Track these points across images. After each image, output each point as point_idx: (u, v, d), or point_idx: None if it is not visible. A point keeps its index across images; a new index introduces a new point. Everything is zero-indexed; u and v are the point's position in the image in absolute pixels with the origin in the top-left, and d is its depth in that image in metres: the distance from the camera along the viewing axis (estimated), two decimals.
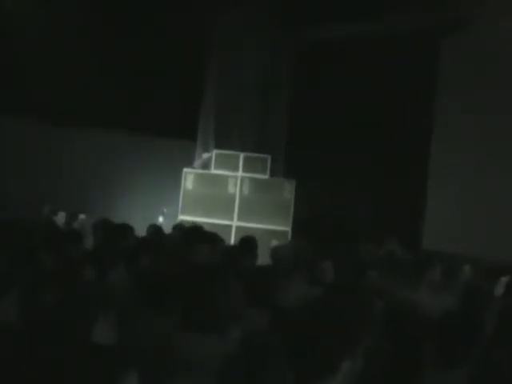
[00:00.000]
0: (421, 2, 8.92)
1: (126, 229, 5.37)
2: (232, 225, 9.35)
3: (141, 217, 8.60)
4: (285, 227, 9.35)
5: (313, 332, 2.03)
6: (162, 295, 2.96)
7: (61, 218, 8.54)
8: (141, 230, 6.36)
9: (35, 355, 1.71)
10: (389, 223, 9.12)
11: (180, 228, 6.93)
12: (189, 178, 9.52)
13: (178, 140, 10.08)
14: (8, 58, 9.10)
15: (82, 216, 8.49)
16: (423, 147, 9.45)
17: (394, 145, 9.52)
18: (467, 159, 8.82)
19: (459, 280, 5.36)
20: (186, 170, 9.58)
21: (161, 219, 9.18)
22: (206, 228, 6.39)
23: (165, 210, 9.40)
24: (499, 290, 5.18)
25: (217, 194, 9.47)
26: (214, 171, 9.64)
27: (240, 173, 9.61)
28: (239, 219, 9.38)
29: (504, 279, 5.33)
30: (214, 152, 9.77)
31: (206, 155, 9.92)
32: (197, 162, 9.95)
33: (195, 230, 5.59)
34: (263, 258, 5.81)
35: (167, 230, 7.58)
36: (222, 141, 10.06)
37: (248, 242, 5.48)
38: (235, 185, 9.51)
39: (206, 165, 9.86)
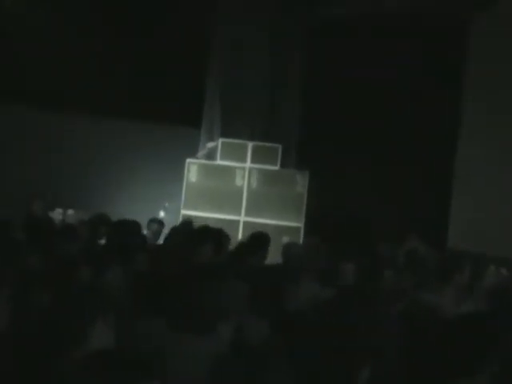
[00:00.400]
0: None
1: (135, 225, 5.42)
2: (239, 220, 9.38)
3: (140, 212, 8.63)
4: (297, 223, 9.36)
5: (320, 336, 2.07)
6: (159, 296, 3.02)
7: (57, 214, 8.58)
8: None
9: (27, 365, 1.77)
10: (410, 220, 9.19)
11: (187, 225, 7.00)
12: (192, 170, 9.55)
13: (180, 128, 10.11)
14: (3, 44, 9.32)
15: (70, 211, 8.50)
16: (449, 140, 9.50)
17: (417, 136, 9.60)
18: (494, 155, 8.92)
19: (485, 282, 5.38)
20: (189, 160, 9.61)
21: (162, 214, 9.23)
22: (211, 224, 6.44)
23: (166, 205, 9.45)
24: None
25: (223, 187, 9.51)
26: (219, 162, 9.68)
27: (248, 164, 9.63)
28: (247, 214, 9.41)
29: None
30: (220, 141, 9.79)
31: (210, 144, 9.94)
32: (201, 152, 9.96)
33: (200, 230, 5.64)
34: (273, 257, 5.89)
35: (169, 225, 7.65)
36: (229, 129, 10.09)
37: (259, 239, 5.55)
38: (243, 177, 9.54)
39: (210, 155, 9.88)
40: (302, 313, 2.54)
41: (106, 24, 9.59)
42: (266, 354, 1.89)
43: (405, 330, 2.69)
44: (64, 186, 9.71)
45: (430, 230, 8.49)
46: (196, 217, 8.80)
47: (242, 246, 5.92)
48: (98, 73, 9.69)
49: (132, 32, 9.82)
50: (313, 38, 9.90)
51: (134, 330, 2.89)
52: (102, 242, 5.97)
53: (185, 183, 9.54)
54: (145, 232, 6.90)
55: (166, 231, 7.41)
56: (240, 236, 8.69)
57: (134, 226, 5.82)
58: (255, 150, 9.66)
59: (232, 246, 6.10)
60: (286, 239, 8.24)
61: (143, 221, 7.71)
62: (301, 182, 9.46)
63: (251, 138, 9.97)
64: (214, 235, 5.42)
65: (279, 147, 9.70)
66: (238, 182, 9.54)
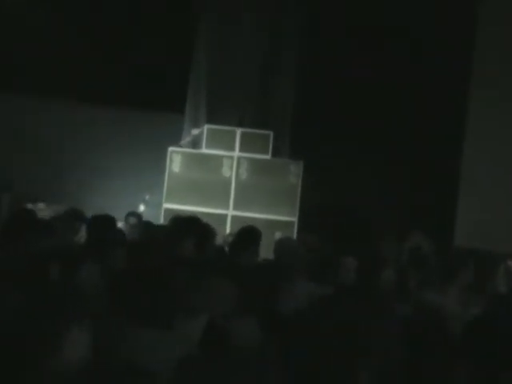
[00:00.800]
0: None
1: (110, 220, 5.47)
2: (227, 214, 9.39)
3: (118, 205, 8.65)
4: (290, 217, 9.39)
5: (317, 337, 2.09)
6: (137, 295, 3.07)
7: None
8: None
9: None
10: (413, 217, 9.23)
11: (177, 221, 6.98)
12: (175, 159, 9.56)
13: (161, 113, 10.10)
14: None
15: (41, 205, 8.48)
16: (455, 132, 9.58)
17: (421, 130, 9.62)
18: (501, 155, 9.14)
19: (494, 281, 5.43)
20: (171, 148, 9.61)
21: (142, 208, 9.25)
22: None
23: (147, 197, 9.45)
24: None
25: (209, 178, 9.52)
26: (205, 150, 9.67)
27: (236, 152, 9.63)
28: (236, 208, 9.43)
29: None
30: (206, 127, 9.78)
31: (195, 131, 9.94)
32: (185, 140, 9.96)
33: (181, 223, 5.68)
34: (264, 254, 5.94)
35: (150, 220, 7.64)
36: (215, 114, 10.06)
37: (249, 234, 5.57)
38: (231, 167, 9.55)
39: (195, 143, 9.88)
40: (297, 312, 2.60)
41: (82, 4, 9.66)
42: (255, 355, 1.91)
43: (407, 331, 2.73)
44: (34, 177, 9.71)
45: (435, 230, 8.53)
46: (179, 211, 8.75)
47: (230, 241, 5.99)
48: (71, 55, 9.72)
49: (108, 10, 9.82)
50: (310, 20, 9.92)
51: (114, 334, 2.91)
52: (77, 238, 5.97)
53: (167, 174, 9.55)
54: (121, 226, 6.92)
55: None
56: (228, 231, 8.68)
57: (110, 220, 5.82)
58: (244, 138, 9.67)
59: (219, 241, 6.20)
60: (278, 235, 8.24)
61: (121, 215, 7.76)
62: (294, 173, 9.49)
63: (240, 124, 9.95)
64: (197, 229, 5.44)
65: (270, 134, 9.72)
66: (226, 172, 9.54)
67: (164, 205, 9.42)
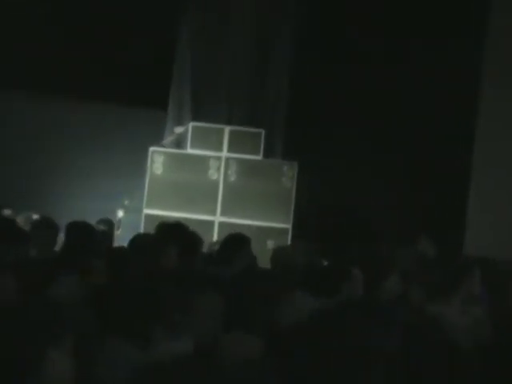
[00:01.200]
0: None
1: (86, 228, 5.49)
2: (214, 221, 9.40)
3: (94, 211, 8.64)
4: (284, 224, 9.39)
5: (317, 353, 2.11)
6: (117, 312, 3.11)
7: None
8: None
9: None
10: (418, 220, 9.27)
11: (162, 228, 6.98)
12: (157, 160, 9.55)
13: (141, 109, 10.08)
14: None
15: (6, 212, 8.42)
16: (465, 123, 9.63)
17: (427, 123, 9.65)
18: None
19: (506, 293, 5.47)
20: (152, 148, 9.60)
21: (120, 214, 9.22)
22: None
23: (126, 202, 9.42)
24: None
25: (194, 181, 9.50)
26: (190, 151, 9.67)
27: (224, 153, 9.63)
28: (223, 213, 9.43)
29: None
30: (191, 125, 9.77)
31: (179, 129, 9.91)
32: (167, 139, 9.94)
33: (163, 230, 5.67)
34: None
35: (129, 227, 7.65)
36: (201, 110, 10.06)
37: (237, 242, 5.60)
38: (218, 168, 9.54)
39: (179, 142, 9.87)
40: (298, 327, 2.64)
41: None
42: (254, 372, 1.94)
43: (408, 343, 2.77)
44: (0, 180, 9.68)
45: (442, 234, 8.56)
46: (161, 217, 8.71)
47: (216, 250, 6.00)
48: (42, 43, 9.72)
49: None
50: (305, 7, 9.95)
51: (101, 357, 2.93)
52: (50, 248, 5.97)
53: (148, 176, 9.54)
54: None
55: (125, 234, 7.43)
56: (215, 239, 8.60)
57: (87, 228, 5.81)
58: (233, 137, 9.66)
59: (205, 249, 6.20)
60: (270, 243, 8.29)
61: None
62: (288, 175, 9.49)
63: (228, 121, 9.96)
64: (181, 237, 5.43)
65: (262, 133, 9.71)
66: (213, 174, 9.53)
67: (145, 210, 9.41)
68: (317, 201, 9.72)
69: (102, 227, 7.44)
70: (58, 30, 9.81)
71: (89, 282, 4.16)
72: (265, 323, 3.68)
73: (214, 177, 9.52)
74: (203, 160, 9.57)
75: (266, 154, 9.73)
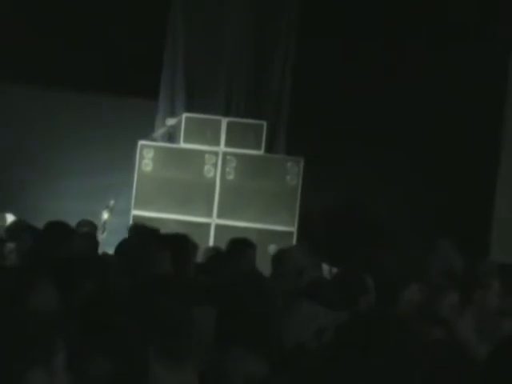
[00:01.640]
0: None
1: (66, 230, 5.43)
2: (210, 223, 9.38)
3: (76, 213, 8.58)
4: (288, 227, 9.37)
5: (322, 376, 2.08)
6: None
7: None
8: None
9: None
10: (435, 223, 9.27)
11: (137, 230, 7.00)
12: (147, 155, 9.51)
13: (129, 99, 10.05)
14: None
15: None
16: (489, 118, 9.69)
17: (446, 118, 9.67)
18: None
19: None
20: (142, 142, 9.57)
21: (105, 215, 9.17)
22: (172, 228, 6.46)
23: (111, 203, 9.38)
24: None
25: (188, 179, 9.48)
26: (183, 145, 9.64)
27: (222, 147, 9.59)
28: (221, 215, 9.41)
29: None
30: (184, 116, 9.73)
31: (171, 121, 9.88)
32: (158, 132, 9.91)
33: (152, 235, 5.66)
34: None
35: (115, 231, 7.62)
36: (196, 100, 10.05)
37: (238, 247, 5.63)
38: (215, 165, 9.51)
39: (171, 135, 9.83)
40: (304, 346, 2.62)
41: None
42: None
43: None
44: None
45: (461, 239, 8.56)
46: (151, 219, 8.77)
47: (213, 257, 5.97)
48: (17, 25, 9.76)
49: None
50: None
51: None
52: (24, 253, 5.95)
53: (136, 174, 9.51)
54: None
55: (110, 238, 7.40)
56: (212, 244, 8.62)
57: (67, 230, 5.75)
58: (231, 129, 9.62)
59: (200, 256, 6.14)
60: (273, 248, 8.25)
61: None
62: (293, 172, 9.46)
63: (226, 112, 9.94)
64: (172, 242, 5.41)
65: (264, 125, 9.68)
66: (209, 171, 9.50)
67: (133, 211, 9.38)
68: (324, 201, 9.76)
69: (83, 230, 7.40)
70: (39, 17, 9.88)
71: (70, 292, 4.11)
72: (268, 339, 3.66)
73: (211, 174, 9.48)
74: (198, 155, 9.53)
75: (269, 149, 9.72)
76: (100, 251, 6.97)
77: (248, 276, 5.26)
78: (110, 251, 5.88)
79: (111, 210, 9.22)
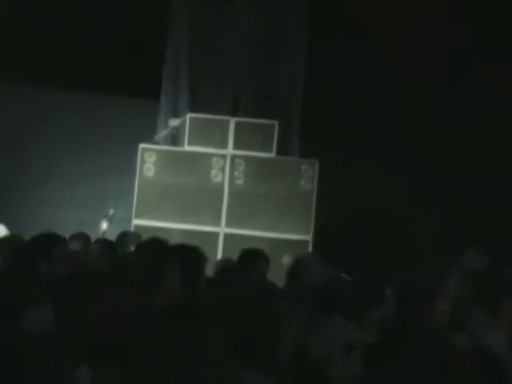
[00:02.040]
0: None
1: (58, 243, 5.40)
2: (218, 232, 9.39)
3: (72, 223, 8.61)
4: (303, 235, 9.38)
5: None
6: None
7: None
8: None
9: None
10: (468, 230, 9.27)
11: (131, 240, 7.01)
12: (148, 160, 9.51)
13: (129, 99, 10.07)
14: None
15: None
16: None
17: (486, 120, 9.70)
18: None
19: None
20: (143, 146, 9.57)
21: (104, 226, 9.17)
22: (177, 238, 6.43)
23: (110, 212, 9.37)
24: None
25: (193, 185, 9.47)
26: (187, 148, 9.63)
27: (230, 150, 9.60)
28: (229, 224, 9.43)
29: None
30: (188, 117, 9.74)
31: (174, 122, 9.90)
32: (160, 134, 9.93)
33: (158, 248, 5.62)
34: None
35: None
36: (201, 99, 10.08)
37: (250, 259, 5.71)
38: (222, 169, 9.51)
39: (175, 138, 9.86)
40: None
41: None
42: None
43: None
44: None
45: (494, 247, 8.56)
46: (154, 229, 8.77)
47: (223, 269, 5.97)
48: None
49: None
50: None
51: None
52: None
53: (137, 179, 9.52)
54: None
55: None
56: (220, 256, 8.68)
57: (59, 243, 5.75)
58: (240, 130, 9.63)
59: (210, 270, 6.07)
60: (287, 259, 8.25)
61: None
62: (308, 176, 9.47)
63: (233, 112, 9.95)
64: (180, 254, 5.31)
65: (275, 125, 9.68)
66: (216, 176, 9.50)
67: (134, 221, 9.40)
68: (341, 206, 9.77)
69: (75, 244, 7.34)
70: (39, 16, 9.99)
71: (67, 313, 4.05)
72: (286, 359, 3.62)
73: (218, 179, 9.50)
74: (204, 159, 9.53)
75: (281, 151, 9.74)
76: None
77: (262, 290, 5.24)
78: None
79: (110, 220, 9.21)
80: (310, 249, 9.26)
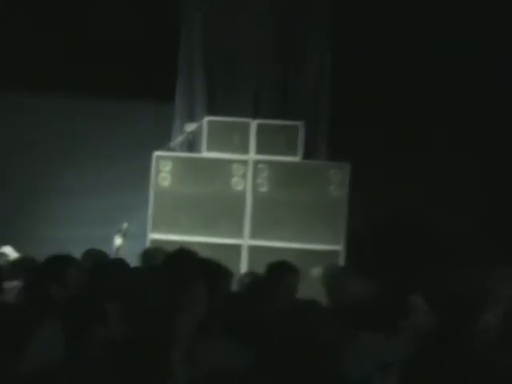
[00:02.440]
0: None
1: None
2: (241, 245, 9.42)
3: (82, 239, 8.69)
4: (333, 245, 9.37)
5: None
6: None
7: None
8: None
9: None
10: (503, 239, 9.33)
11: (155, 255, 6.97)
12: (164, 168, 9.54)
13: (141, 103, 10.12)
14: None
15: None
16: None
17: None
18: None
19: None
20: (158, 153, 9.58)
21: (118, 241, 9.15)
22: (198, 252, 6.43)
23: (124, 226, 9.38)
24: None
25: (213, 194, 9.50)
26: (206, 154, 9.66)
27: (252, 155, 9.62)
28: (253, 235, 9.46)
29: None
30: (206, 120, 9.75)
31: (190, 127, 9.88)
32: (176, 140, 9.91)
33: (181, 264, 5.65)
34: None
35: (131, 258, 7.48)
36: (219, 101, 10.10)
37: (278, 272, 5.79)
38: (244, 176, 9.53)
39: (191, 143, 9.87)
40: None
41: None
42: None
43: None
44: None
45: None
46: (172, 243, 8.62)
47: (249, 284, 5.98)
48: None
49: None
50: None
51: None
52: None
53: (153, 190, 9.55)
54: None
55: None
56: (244, 269, 8.66)
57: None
58: (262, 133, 9.63)
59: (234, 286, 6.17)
60: (316, 271, 8.07)
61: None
62: (337, 181, 9.46)
63: (255, 114, 9.96)
64: (205, 271, 5.36)
65: (300, 126, 9.67)
66: (237, 184, 9.54)
67: (150, 235, 9.43)
68: (376, 214, 9.82)
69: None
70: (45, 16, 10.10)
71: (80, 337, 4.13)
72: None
73: (240, 187, 9.53)
74: (224, 165, 9.58)
75: (307, 155, 9.71)
76: None
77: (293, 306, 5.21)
78: None
79: (124, 235, 9.18)
80: (341, 260, 9.25)
